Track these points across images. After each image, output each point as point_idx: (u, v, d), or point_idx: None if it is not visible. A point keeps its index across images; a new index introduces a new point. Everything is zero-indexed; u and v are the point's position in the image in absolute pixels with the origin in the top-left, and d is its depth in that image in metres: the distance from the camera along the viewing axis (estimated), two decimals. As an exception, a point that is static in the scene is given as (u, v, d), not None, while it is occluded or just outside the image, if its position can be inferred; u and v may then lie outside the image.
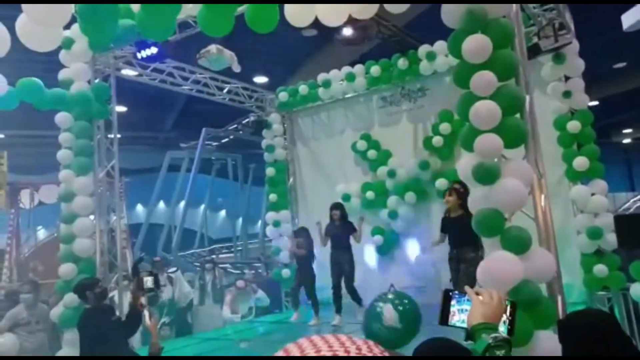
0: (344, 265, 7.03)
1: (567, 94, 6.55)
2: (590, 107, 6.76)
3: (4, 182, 9.97)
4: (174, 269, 9.23)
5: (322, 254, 7.43)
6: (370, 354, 0.79)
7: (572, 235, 6.52)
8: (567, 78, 6.60)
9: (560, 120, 6.59)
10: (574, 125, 6.47)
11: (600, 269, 6.27)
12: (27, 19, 4.36)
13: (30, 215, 10.52)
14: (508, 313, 1.40)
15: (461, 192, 5.74)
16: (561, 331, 1.86)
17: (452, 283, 5.95)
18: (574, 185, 6.57)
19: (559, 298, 4.01)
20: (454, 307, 1.40)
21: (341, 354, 0.78)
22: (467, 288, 1.30)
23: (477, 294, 1.33)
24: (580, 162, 6.41)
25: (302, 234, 7.43)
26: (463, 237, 5.63)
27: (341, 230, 7.12)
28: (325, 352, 0.79)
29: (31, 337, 5.10)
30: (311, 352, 0.80)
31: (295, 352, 0.83)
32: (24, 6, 4.22)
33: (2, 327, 4.97)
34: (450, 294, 1.43)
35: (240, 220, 17.86)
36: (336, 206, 7.29)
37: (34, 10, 4.19)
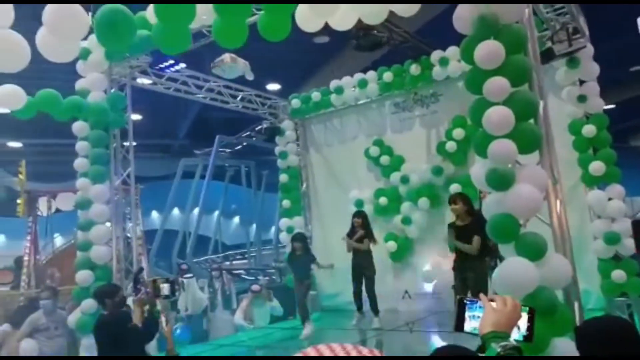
0: (364, 269, 7.10)
1: (582, 98, 6.49)
2: (607, 111, 6.69)
3: (22, 190, 10.14)
4: (190, 275, 9.28)
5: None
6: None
7: (588, 240, 6.44)
8: (581, 82, 6.54)
9: (575, 124, 6.53)
10: (589, 130, 6.41)
11: (618, 274, 6.18)
12: (47, 31, 4.46)
13: (48, 223, 10.66)
14: (526, 319, 1.40)
15: (467, 199, 5.94)
16: (578, 338, 1.84)
17: (455, 292, 6.01)
18: (591, 190, 6.50)
19: (576, 304, 3.96)
20: (467, 313, 1.40)
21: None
22: (481, 295, 1.30)
23: (492, 300, 1.33)
24: (596, 167, 6.34)
25: (298, 239, 7.39)
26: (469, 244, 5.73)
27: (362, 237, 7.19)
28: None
29: (50, 343, 5.18)
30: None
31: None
32: (44, 19, 4.33)
33: (22, 333, 5.06)
34: (465, 301, 1.43)
35: (254, 226, 17.91)
36: (358, 214, 7.40)
37: (54, 23, 4.29)
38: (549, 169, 4.14)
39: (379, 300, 7.19)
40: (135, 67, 6.95)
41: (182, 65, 7.47)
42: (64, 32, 4.42)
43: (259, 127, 10.92)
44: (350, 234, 7.27)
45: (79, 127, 6.29)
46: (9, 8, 3.99)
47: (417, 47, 8.12)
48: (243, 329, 8.28)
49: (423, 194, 8.09)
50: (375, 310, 7.08)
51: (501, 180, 3.87)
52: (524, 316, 1.40)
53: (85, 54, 6.23)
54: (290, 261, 7.43)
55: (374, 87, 8.62)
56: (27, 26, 4.41)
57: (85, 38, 5.73)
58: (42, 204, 10.54)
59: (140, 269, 6.85)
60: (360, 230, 7.18)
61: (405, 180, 8.28)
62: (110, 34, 4.71)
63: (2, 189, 11.85)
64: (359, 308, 7.21)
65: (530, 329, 1.41)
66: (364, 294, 7.17)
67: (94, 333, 4.34)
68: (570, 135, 6.56)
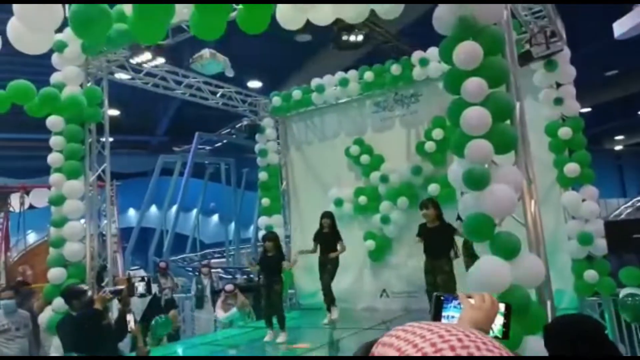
0: (327, 263, 7.07)
1: (558, 101, 6.60)
2: (583, 114, 6.83)
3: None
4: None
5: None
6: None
7: (563, 241, 6.55)
8: (558, 85, 6.65)
9: (551, 126, 6.64)
10: (565, 132, 6.52)
11: (590, 274, 6.30)
12: (19, 22, 4.34)
13: (21, 219, 10.42)
14: (502, 316, 1.39)
15: (437, 204, 6.41)
16: (546, 335, 1.86)
17: (428, 296, 6.26)
18: (565, 191, 6.61)
19: (549, 303, 4.03)
20: (443, 312, 1.39)
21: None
22: (459, 293, 1.29)
23: (469, 297, 1.32)
24: (571, 168, 6.46)
25: (269, 238, 6.83)
26: (439, 247, 6.18)
27: (329, 239, 7.15)
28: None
29: (11, 344, 5.03)
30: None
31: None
32: (15, 9, 4.21)
33: None
34: (442, 298, 1.41)
35: (232, 224, 17.82)
36: (327, 215, 7.32)
37: (26, 14, 4.18)
38: (524, 170, 4.19)
39: (357, 299, 7.22)
40: (112, 62, 6.83)
41: (161, 60, 7.36)
42: (36, 23, 4.31)
43: (239, 124, 10.86)
44: (317, 236, 7.24)
45: (53, 121, 6.14)
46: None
47: (399, 47, 8.19)
48: (224, 323, 8.24)
49: (402, 193, 8.13)
50: (332, 302, 7.03)
51: (477, 180, 3.91)
52: (500, 313, 1.40)
53: (61, 46, 6.10)
54: (261, 262, 6.76)
55: (355, 86, 8.63)
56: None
57: (61, 30, 5.61)
58: (15, 200, 10.30)
59: (104, 266, 6.74)
60: (328, 231, 7.13)
61: (384, 179, 8.31)
62: (85, 26, 4.62)
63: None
64: (329, 307, 7.14)
65: (506, 325, 1.41)
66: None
67: (61, 333, 4.23)
68: (547, 137, 6.66)
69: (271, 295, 6.50)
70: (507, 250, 3.81)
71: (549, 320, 3.87)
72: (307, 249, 7.43)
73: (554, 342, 1.82)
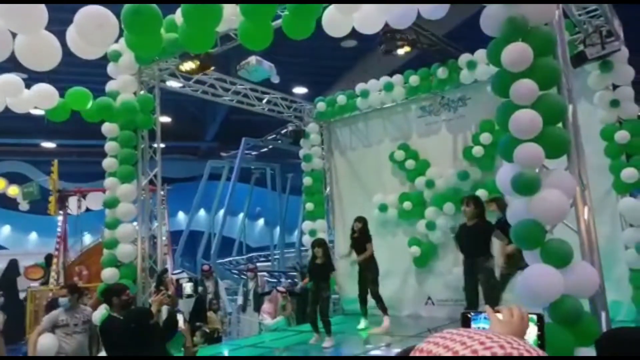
0: (367, 272, 7.00)
1: (614, 103, 6.30)
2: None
3: (54, 189, 10.43)
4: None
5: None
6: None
7: (620, 250, 6.24)
8: (615, 87, 6.36)
9: (607, 130, 6.35)
10: (622, 136, 6.22)
11: (651, 286, 5.97)
12: (77, 36, 4.59)
13: (78, 221, 10.94)
14: (536, 328, 1.35)
15: (479, 202, 6.23)
16: (598, 348, 1.78)
17: (466, 294, 6.15)
18: (622, 197, 6.30)
19: (603, 315, 3.83)
20: (472, 325, 1.36)
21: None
22: (486, 307, 1.26)
23: (497, 312, 1.28)
24: (629, 174, 6.14)
25: (319, 244, 6.72)
26: (474, 246, 5.98)
27: (359, 242, 7.11)
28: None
29: (69, 339, 5.28)
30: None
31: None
32: (75, 29, 4.46)
33: (42, 328, 5.18)
34: (469, 315, 1.39)
35: (277, 228, 18.02)
36: (360, 219, 7.25)
37: (84, 30, 4.42)
38: (577, 175, 4.02)
39: (401, 306, 7.13)
40: (164, 70, 7.08)
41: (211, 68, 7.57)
42: (93, 39, 4.55)
43: (285, 130, 10.99)
44: (350, 239, 7.24)
45: (108, 128, 6.44)
46: (42, 9, 4.11)
47: (445, 50, 8.04)
48: (269, 328, 8.35)
49: (448, 199, 7.97)
50: (383, 309, 6.98)
51: (527, 185, 3.79)
52: (532, 325, 1.35)
53: (115, 56, 6.39)
54: (310, 268, 6.86)
55: (400, 91, 8.56)
56: (62, 26, 4.55)
57: (116, 40, 5.88)
58: (72, 203, 10.82)
59: (165, 270, 6.98)
60: (358, 235, 7.09)
61: (430, 184, 8.18)
62: (138, 40, 4.82)
63: (36, 188, 12.22)
64: (364, 313, 7.18)
65: (541, 337, 1.36)
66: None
67: (105, 333, 4.34)
68: (602, 141, 6.38)
69: (319, 301, 6.51)
70: (559, 258, 3.66)
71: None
72: (345, 253, 7.42)
73: (606, 354, 1.74)
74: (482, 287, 5.83)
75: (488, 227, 6.00)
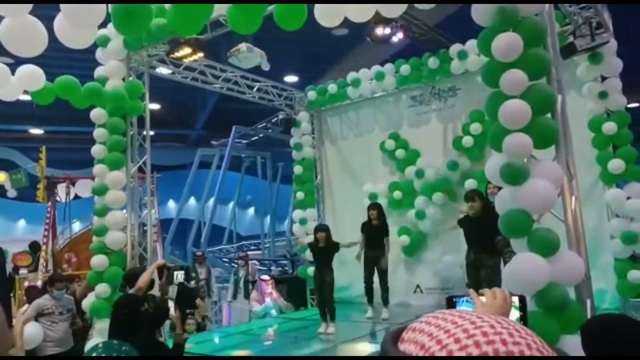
0: (379, 261, 7.03)
1: (603, 95, 6.36)
2: (629, 110, 6.54)
3: (42, 176, 10.32)
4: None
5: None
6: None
7: (605, 239, 6.34)
8: (603, 78, 6.41)
9: (595, 121, 6.41)
10: (609, 127, 6.29)
11: (634, 274, 6.08)
12: (64, 19, 4.52)
13: (67, 209, 10.85)
14: (519, 309, 1.38)
15: (483, 195, 6.09)
16: (582, 334, 1.82)
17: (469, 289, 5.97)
18: (609, 188, 6.38)
19: (588, 302, 3.90)
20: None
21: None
22: (470, 291, 1.28)
23: (481, 295, 1.30)
24: (616, 165, 6.22)
25: (322, 229, 6.80)
26: (483, 239, 5.82)
27: (377, 231, 7.08)
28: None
29: (55, 327, 5.27)
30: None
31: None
32: (62, 7, 4.39)
33: (28, 317, 5.16)
34: (454, 299, 1.42)
35: (268, 217, 18.03)
36: (374, 206, 7.26)
37: (71, 11, 4.34)
38: (564, 165, 4.07)
39: (390, 294, 7.20)
40: (153, 56, 7.00)
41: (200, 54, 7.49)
42: (80, 20, 4.47)
43: (275, 118, 10.96)
44: (366, 227, 7.15)
45: (97, 114, 6.37)
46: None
47: (436, 40, 8.04)
48: (257, 315, 8.40)
49: (438, 188, 8.02)
50: (386, 301, 7.09)
51: (515, 175, 3.83)
52: (514, 309, 1.38)
53: (104, 41, 6.31)
54: (313, 252, 6.81)
55: (391, 80, 8.56)
56: (45, 12, 4.48)
57: (105, 25, 5.80)
58: (61, 190, 10.72)
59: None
60: (377, 223, 7.06)
61: (420, 174, 8.22)
62: (126, 21, 4.75)
63: (24, 175, 12.07)
64: (370, 300, 7.22)
65: (523, 318, 1.39)
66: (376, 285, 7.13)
67: (114, 310, 4.37)
68: (590, 132, 6.44)
69: (324, 287, 6.56)
70: (546, 247, 3.71)
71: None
72: (352, 241, 7.02)
73: (591, 341, 1.77)
74: (484, 284, 5.62)
75: (495, 219, 5.87)
